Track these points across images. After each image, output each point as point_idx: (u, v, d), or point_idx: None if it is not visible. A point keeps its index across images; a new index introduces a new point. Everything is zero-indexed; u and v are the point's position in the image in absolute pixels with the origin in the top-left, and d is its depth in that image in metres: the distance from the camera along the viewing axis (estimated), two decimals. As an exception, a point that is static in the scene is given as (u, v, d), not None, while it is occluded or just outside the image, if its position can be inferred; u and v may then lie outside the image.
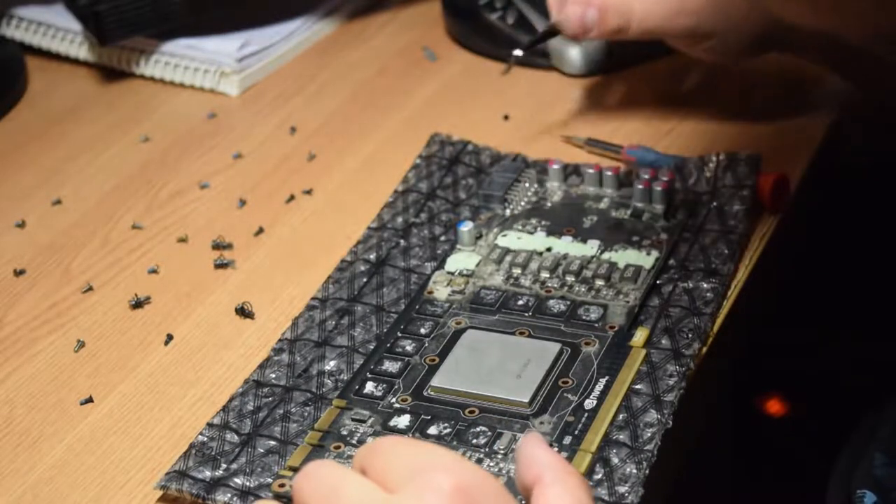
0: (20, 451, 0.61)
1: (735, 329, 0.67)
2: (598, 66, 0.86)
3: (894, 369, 0.79)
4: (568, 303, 0.65)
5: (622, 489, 0.55)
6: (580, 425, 0.58)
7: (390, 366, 0.62)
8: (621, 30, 0.74)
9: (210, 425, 0.60)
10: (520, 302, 0.65)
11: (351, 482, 0.47)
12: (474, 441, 0.57)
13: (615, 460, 0.56)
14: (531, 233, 0.70)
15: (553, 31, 0.76)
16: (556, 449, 0.56)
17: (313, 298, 0.68)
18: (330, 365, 0.63)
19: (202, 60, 0.90)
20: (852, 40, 0.61)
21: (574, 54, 0.86)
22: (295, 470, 0.56)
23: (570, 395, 0.59)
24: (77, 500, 0.59)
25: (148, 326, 0.68)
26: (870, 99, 0.78)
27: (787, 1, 0.57)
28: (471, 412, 0.59)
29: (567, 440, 0.57)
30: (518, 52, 0.77)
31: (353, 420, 0.59)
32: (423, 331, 0.64)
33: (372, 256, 0.70)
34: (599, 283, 0.66)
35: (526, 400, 0.59)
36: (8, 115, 0.89)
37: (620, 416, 0.58)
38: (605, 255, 0.68)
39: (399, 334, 0.64)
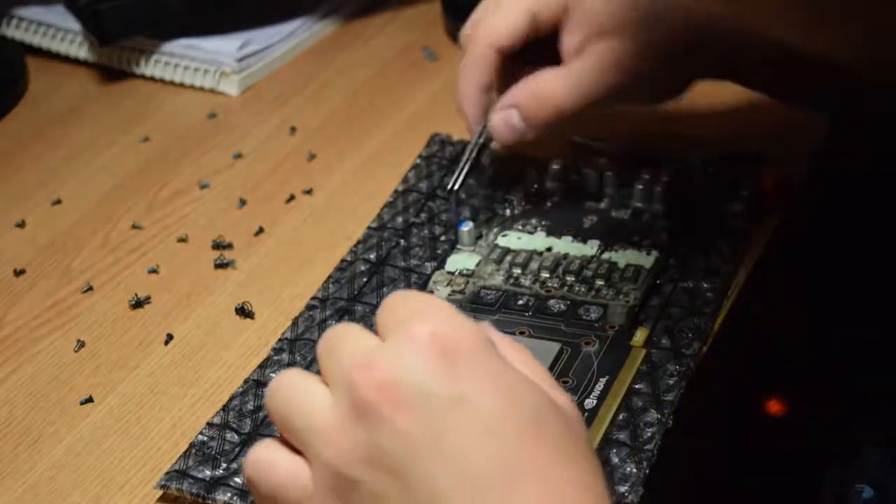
0: (20, 451, 0.61)
1: (735, 329, 0.67)
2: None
3: (892, 367, 0.79)
4: (568, 303, 0.65)
5: (622, 489, 0.55)
6: (580, 425, 0.58)
7: (390, 366, 0.62)
8: (558, 112, 0.68)
9: (210, 425, 0.60)
10: (520, 302, 0.65)
11: (352, 334, 0.48)
12: (474, 441, 0.57)
13: (615, 460, 0.56)
14: (531, 233, 0.70)
15: (480, 149, 0.69)
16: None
17: (313, 298, 0.68)
18: (330, 365, 0.63)
19: (202, 60, 0.90)
20: (843, 62, 0.59)
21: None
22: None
23: (570, 395, 0.59)
24: (77, 500, 0.59)
25: (148, 326, 0.68)
26: (842, 125, 0.77)
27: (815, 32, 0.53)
28: (471, 412, 0.59)
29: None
30: (454, 188, 0.70)
31: (353, 420, 0.59)
32: (423, 331, 0.64)
33: (372, 256, 0.70)
34: (599, 282, 0.66)
35: (526, 400, 0.59)
36: (8, 115, 0.89)
37: (620, 416, 0.58)
38: (605, 255, 0.68)
39: (399, 334, 0.64)
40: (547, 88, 0.68)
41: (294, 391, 0.48)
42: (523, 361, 0.49)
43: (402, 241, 0.71)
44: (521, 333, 0.63)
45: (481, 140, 0.70)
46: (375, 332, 0.48)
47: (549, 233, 0.70)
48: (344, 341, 0.48)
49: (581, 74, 0.68)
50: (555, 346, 0.62)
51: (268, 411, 0.49)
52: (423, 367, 0.45)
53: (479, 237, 0.70)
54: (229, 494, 0.56)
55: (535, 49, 0.70)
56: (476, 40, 0.69)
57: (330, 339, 0.48)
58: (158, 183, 0.80)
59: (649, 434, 0.57)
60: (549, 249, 0.69)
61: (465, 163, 0.69)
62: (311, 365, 0.63)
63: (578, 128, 0.80)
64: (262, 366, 0.63)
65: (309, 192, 0.78)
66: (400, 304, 0.48)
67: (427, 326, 0.46)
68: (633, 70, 0.68)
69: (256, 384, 0.62)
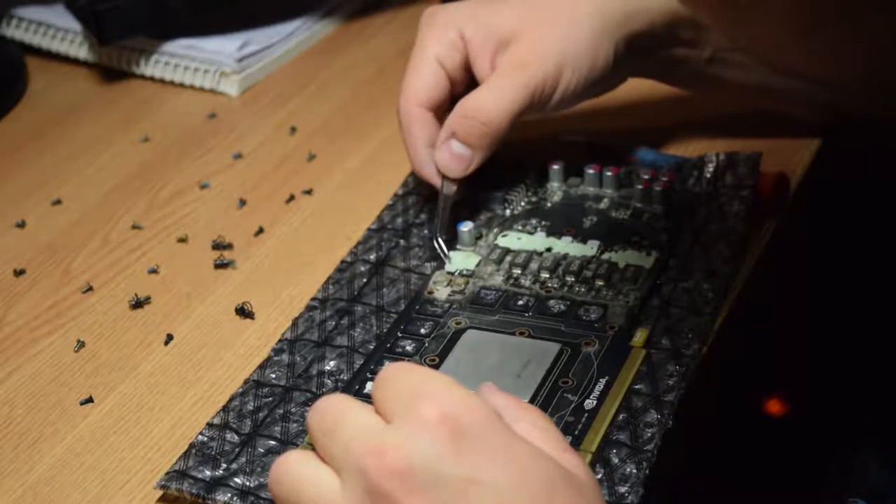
0: (20, 451, 0.61)
1: (735, 329, 0.67)
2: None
3: (889, 372, 0.79)
4: (568, 303, 0.65)
5: (622, 489, 0.55)
6: (580, 425, 0.58)
7: (390, 366, 0.62)
8: (493, 125, 0.68)
9: (210, 425, 0.60)
10: (520, 302, 0.65)
11: (352, 414, 0.48)
12: (474, 441, 0.57)
13: (615, 460, 0.56)
14: (531, 233, 0.70)
15: (448, 199, 0.70)
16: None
17: (313, 299, 0.68)
18: (330, 365, 0.63)
19: (202, 60, 0.90)
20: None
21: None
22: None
23: (570, 395, 0.59)
24: (77, 500, 0.59)
25: (148, 326, 0.69)
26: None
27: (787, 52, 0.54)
28: (471, 412, 0.59)
29: (567, 440, 0.57)
30: (438, 242, 0.70)
31: (353, 420, 0.59)
32: (423, 331, 0.64)
33: (372, 257, 0.70)
34: (599, 283, 0.66)
35: (526, 400, 0.59)
36: (8, 115, 0.89)
37: (620, 416, 0.58)
38: (605, 256, 0.68)
39: (399, 334, 0.64)
40: (474, 105, 0.69)
41: (298, 477, 0.48)
42: (532, 423, 0.49)
43: (401, 242, 0.71)
44: (521, 333, 0.63)
45: (451, 190, 0.70)
46: (369, 401, 0.49)
47: (549, 233, 0.70)
48: (344, 421, 0.48)
49: (500, 82, 0.69)
50: (555, 347, 0.62)
51: (273, 498, 0.50)
52: (435, 451, 0.46)
53: (479, 237, 0.70)
54: (229, 495, 0.56)
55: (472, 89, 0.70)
56: (403, 104, 0.71)
57: (326, 415, 0.49)
58: (158, 183, 0.80)
59: (649, 434, 0.57)
60: (549, 249, 0.69)
61: (441, 214, 0.70)
62: (310, 365, 0.63)
63: (579, 128, 0.81)
64: (262, 366, 0.63)
65: (309, 192, 0.78)
66: (400, 381, 0.48)
67: (435, 408, 0.46)
68: (544, 66, 0.69)
69: (256, 384, 0.62)
